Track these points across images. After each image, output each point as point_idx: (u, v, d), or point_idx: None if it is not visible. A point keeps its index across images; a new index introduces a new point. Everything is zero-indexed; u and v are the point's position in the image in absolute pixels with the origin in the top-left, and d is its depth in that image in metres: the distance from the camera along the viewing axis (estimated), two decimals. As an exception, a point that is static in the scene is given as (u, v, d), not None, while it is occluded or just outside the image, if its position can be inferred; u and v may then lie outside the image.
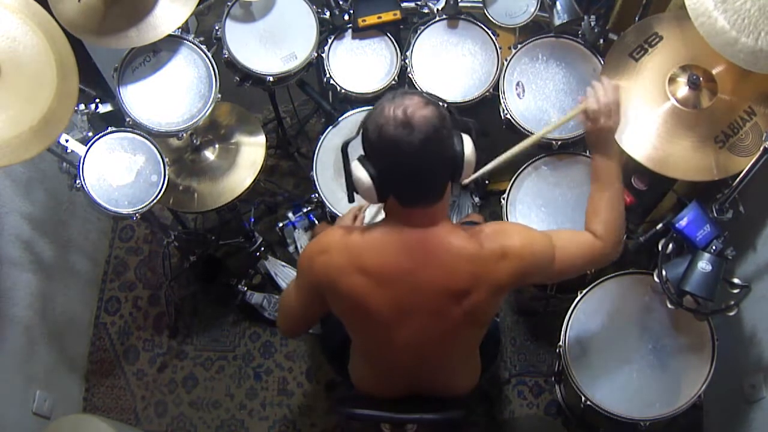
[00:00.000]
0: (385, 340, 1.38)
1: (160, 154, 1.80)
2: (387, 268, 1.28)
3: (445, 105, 1.23)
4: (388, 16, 2.02)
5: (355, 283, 1.29)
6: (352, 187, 1.29)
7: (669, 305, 1.57)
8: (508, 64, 1.95)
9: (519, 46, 1.96)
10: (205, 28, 2.07)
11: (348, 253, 1.30)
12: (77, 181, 1.70)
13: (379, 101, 1.22)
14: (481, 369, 1.60)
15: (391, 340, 1.37)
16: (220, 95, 1.88)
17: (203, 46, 1.89)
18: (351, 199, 1.33)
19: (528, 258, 1.31)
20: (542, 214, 1.87)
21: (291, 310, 1.50)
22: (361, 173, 1.24)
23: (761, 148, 1.36)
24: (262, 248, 2.36)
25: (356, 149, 1.27)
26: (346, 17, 2.05)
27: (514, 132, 1.94)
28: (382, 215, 1.36)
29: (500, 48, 2.00)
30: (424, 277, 1.28)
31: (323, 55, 2.04)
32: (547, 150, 1.92)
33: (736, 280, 1.56)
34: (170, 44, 1.87)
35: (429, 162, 1.19)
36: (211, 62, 1.89)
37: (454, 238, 1.28)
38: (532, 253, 1.31)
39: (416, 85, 1.98)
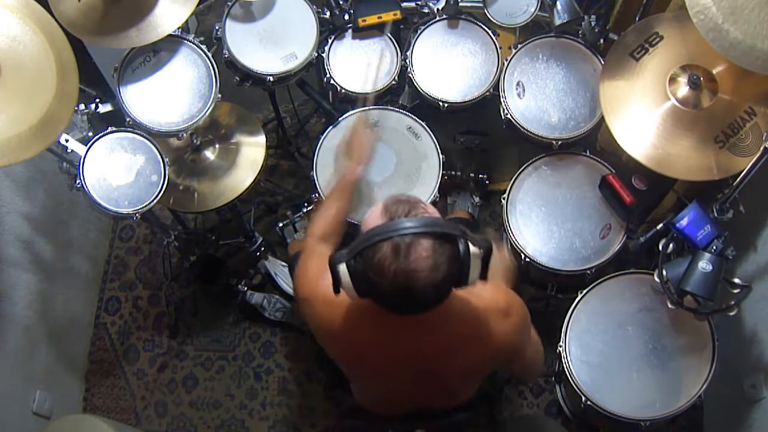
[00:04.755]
0: (387, 391, 1.37)
1: (160, 154, 1.79)
2: (391, 360, 1.25)
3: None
4: (388, 16, 2.02)
5: (356, 366, 1.33)
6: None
7: (669, 305, 1.57)
8: (508, 64, 1.95)
9: (519, 45, 1.96)
10: (205, 28, 2.07)
11: (347, 347, 1.28)
12: (77, 181, 1.70)
13: (379, 237, 1.01)
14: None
15: (395, 392, 1.36)
16: (220, 95, 1.88)
17: (203, 46, 1.89)
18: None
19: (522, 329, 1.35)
20: (542, 214, 1.88)
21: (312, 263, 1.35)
22: (344, 275, 1.06)
23: (761, 148, 1.36)
24: (262, 248, 2.35)
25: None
26: (346, 17, 2.04)
27: (515, 131, 1.94)
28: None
29: (500, 48, 2.00)
30: (433, 358, 1.24)
31: (323, 55, 2.03)
32: (548, 150, 1.92)
33: (736, 280, 1.56)
34: (170, 44, 1.87)
35: (427, 301, 1.08)
36: (211, 62, 1.89)
37: (462, 318, 1.22)
38: (525, 324, 1.37)
39: (416, 85, 1.98)
